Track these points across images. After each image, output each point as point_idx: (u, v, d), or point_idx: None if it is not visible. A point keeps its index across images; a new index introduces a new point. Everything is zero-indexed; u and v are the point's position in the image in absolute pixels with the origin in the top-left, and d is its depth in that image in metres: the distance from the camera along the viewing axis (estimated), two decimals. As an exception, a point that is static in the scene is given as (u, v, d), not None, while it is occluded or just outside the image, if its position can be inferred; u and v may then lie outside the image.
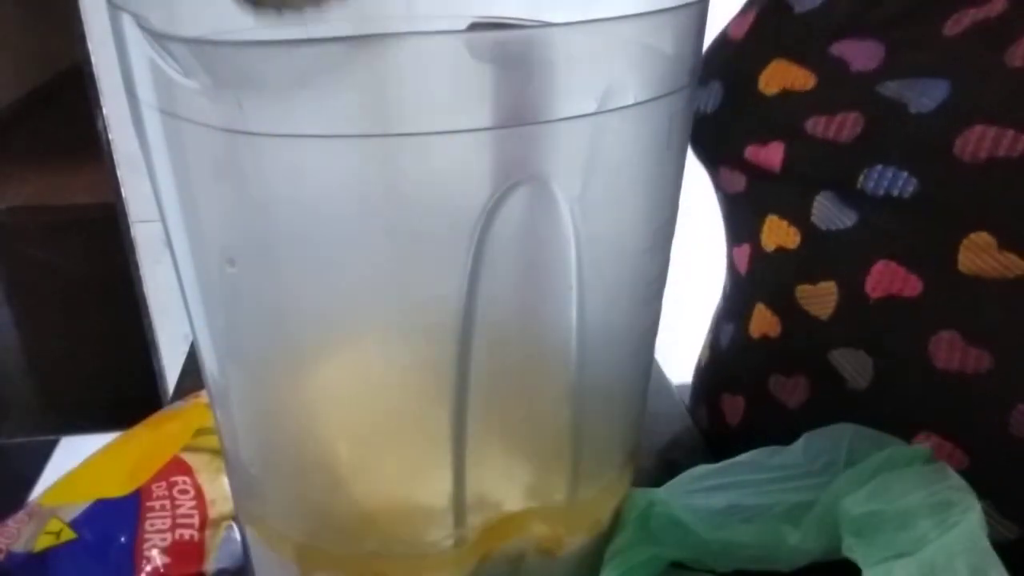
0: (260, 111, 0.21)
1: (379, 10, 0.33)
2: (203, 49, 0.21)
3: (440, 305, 0.25)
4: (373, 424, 0.28)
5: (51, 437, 1.64)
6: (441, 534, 0.28)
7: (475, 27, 0.31)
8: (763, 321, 0.41)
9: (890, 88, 0.34)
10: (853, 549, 0.28)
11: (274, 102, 0.21)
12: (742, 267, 0.43)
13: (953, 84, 0.33)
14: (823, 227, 0.37)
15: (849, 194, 0.36)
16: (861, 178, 0.34)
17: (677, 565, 0.32)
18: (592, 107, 0.23)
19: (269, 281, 0.25)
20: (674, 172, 0.28)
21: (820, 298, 0.38)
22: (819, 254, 0.38)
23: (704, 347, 0.50)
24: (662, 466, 0.34)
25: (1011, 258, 0.31)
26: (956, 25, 0.34)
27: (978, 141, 0.31)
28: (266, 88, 0.21)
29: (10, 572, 0.35)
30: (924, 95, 0.33)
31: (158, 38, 0.21)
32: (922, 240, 0.34)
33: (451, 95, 0.22)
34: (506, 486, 0.29)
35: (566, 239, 0.25)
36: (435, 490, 0.28)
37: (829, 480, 0.30)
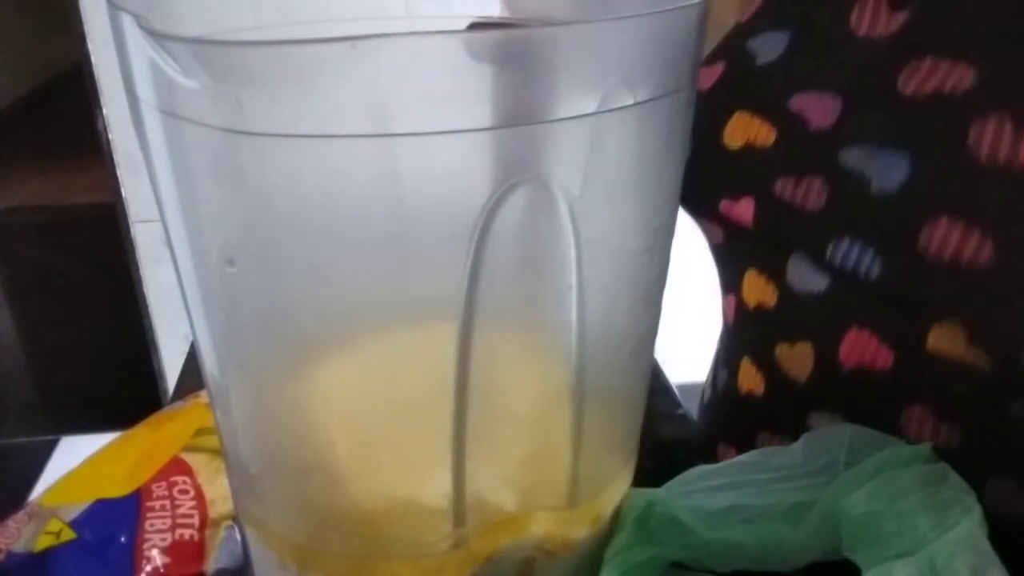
0: (260, 111, 0.21)
1: (379, 10, 0.33)
2: (203, 49, 0.21)
3: (440, 305, 0.25)
4: (373, 424, 0.28)
5: (51, 437, 1.65)
6: (441, 535, 0.28)
7: (475, 27, 0.31)
8: (749, 377, 0.41)
9: (851, 158, 0.34)
10: (853, 549, 0.28)
11: (274, 102, 0.21)
12: (730, 317, 0.43)
13: (913, 161, 0.32)
14: (797, 288, 0.37)
15: (820, 260, 0.35)
16: (830, 248, 0.34)
17: (677, 565, 0.32)
18: (592, 107, 0.23)
19: (269, 281, 0.25)
20: (674, 173, 0.28)
21: (798, 360, 0.37)
22: (795, 315, 0.37)
23: (706, 384, 0.49)
24: (662, 466, 0.34)
25: (980, 353, 0.30)
26: (912, 81, 0.33)
27: (943, 237, 0.30)
28: (266, 88, 0.21)
29: (10, 572, 0.35)
30: (885, 171, 0.32)
31: (158, 38, 0.21)
32: (891, 318, 0.33)
33: (451, 95, 0.22)
34: (506, 487, 0.29)
35: (566, 239, 0.25)
36: (435, 491, 0.28)
37: (829, 480, 0.30)
